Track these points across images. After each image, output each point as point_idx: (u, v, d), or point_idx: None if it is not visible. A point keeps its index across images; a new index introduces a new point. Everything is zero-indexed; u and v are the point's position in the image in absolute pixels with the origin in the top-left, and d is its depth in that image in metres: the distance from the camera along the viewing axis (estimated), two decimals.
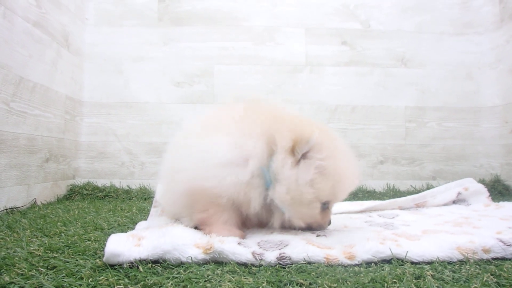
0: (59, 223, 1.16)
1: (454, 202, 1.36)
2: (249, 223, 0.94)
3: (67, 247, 0.85)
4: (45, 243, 0.88)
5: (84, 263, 0.72)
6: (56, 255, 0.78)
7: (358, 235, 0.87)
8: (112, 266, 0.71)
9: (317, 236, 0.89)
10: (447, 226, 0.99)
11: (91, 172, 2.04)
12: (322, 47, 2.15)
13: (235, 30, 2.13)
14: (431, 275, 0.65)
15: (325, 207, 0.90)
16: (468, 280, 0.63)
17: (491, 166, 2.14)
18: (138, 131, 2.07)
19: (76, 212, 1.40)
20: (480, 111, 2.19)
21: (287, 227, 0.92)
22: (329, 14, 2.16)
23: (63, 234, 1.00)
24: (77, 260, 0.74)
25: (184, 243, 0.76)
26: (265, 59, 2.13)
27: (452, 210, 1.27)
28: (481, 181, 1.88)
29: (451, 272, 0.67)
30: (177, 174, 0.92)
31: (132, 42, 2.09)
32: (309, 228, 0.92)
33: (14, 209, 1.39)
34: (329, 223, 0.95)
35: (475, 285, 0.60)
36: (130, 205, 1.64)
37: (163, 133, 2.06)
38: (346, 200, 1.09)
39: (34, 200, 1.55)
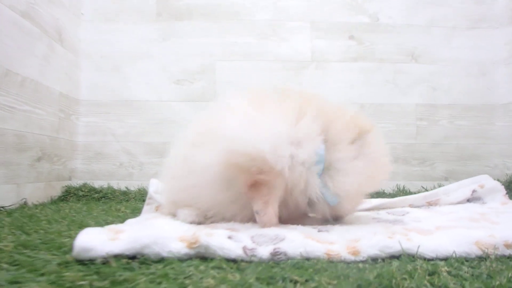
0: (43, 222, 1.09)
1: (468, 200, 1.26)
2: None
3: (43, 244, 0.77)
4: (20, 239, 0.81)
5: (53, 258, 0.65)
6: (26, 251, 0.71)
7: (364, 230, 0.78)
8: (84, 262, 0.63)
9: (319, 231, 0.80)
10: (462, 222, 0.89)
11: (88, 173, 1.98)
12: (328, 42, 2.07)
13: (238, 25, 2.05)
14: (447, 271, 0.56)
15: None
16: (490, 276, 0.53)
17: (506, 166, 2.03)
18: (137, 130, 2.00)
19: (66, 212, 1.33)
20: (494, 109, 2.08)
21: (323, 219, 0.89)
22: (335, 7, 2.08)
23: (42, 232, 0.92)
24: (46, 256, 0.66)
25: (166, 236, 0.67)
26: (269, 55, 2.05)
27: (466, 208, 1.17)
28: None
29: (469, 268, 0.58)
30: (218, 142, 0.82)
31: (130, 38, 2.03)
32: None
33: (1, 208, 1.32)
34: None
35: (499, 281, 0.50)
36: (126, 206, 1.58)
37: (163, 132, 1.99)
38: None
39: (24, 200, 1.48)
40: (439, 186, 1.97)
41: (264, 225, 0.80)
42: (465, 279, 0.53)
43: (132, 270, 0.60)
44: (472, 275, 0.55)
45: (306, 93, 0.92)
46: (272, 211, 0.79)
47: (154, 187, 1.20)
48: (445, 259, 0.63)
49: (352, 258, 0.64)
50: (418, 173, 2.05)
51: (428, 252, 0.65)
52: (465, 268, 0.57)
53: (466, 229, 0.74)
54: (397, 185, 2.00)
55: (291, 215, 0.88)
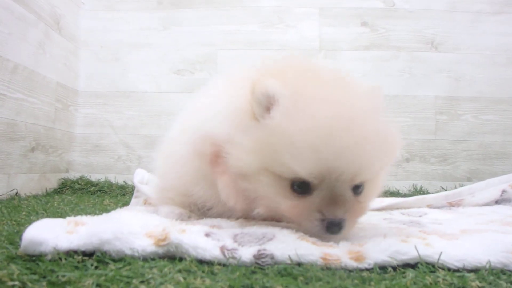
0: (23, 213, 1.02)
1: (497, 202, 1.11)
2: None
3: (5, 236, 0.67)
4: None
5: (2, 252, 0.55)
6: None
7: (372, 231, 0.65)
8: (33, 257, 0.53)
9: None
10: (493, 226, 0.76)
11: (85, 166, 1.92)
12: (338, 29, 1.95)
13: (241, 12, 1.96)
14: (478, 286, 0.43)
15: None
16: None
17: None
18: (136, 122, 1.93)
19: (55, 204, 1.27)
20: None
21: None
22: None
23: (14, 224, 0.84)
24: None
25: (131, 231, 0.57)
26: (275, 44, 1.95)
27: (495, 210, 1.02)
28: None
29: (508, 284, 0.44)
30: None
31: (129, 27, 1.97)
32: None
33: None
34: None
35: None
36: (120, 200, 1.51)
37: (162, 125, 1.90)
38: None
39: (16, 190, 1.43)
40: (461, 187, 1.82)
41: (227, 201, 0.68)
42: None
43: (83, 270, 0.49)
44: None
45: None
46: (227, 180, 0.66)
47: (140, 177, 1.10)
48: (475, 270, 0.50)
49: (355, 265, 0.51)
50: (437, 173, 1.90)
51: (453, 261, 0.51)
52: (502, 283, 0.44)
53: (500, 234, 0.60)
54: (413, 185, 1.86)
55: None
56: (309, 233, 0.59)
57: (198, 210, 0.83)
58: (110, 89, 1.95)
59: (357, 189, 0.59)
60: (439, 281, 0.45)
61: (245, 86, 0.62)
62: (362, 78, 1.90)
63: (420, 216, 0.96)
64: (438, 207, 1.12)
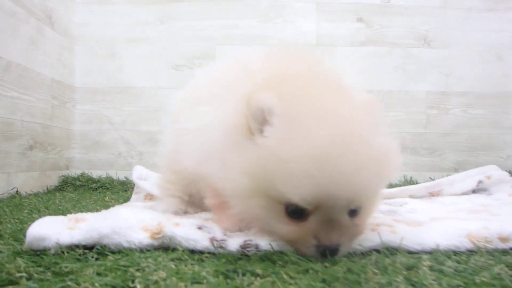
0: (25, 211, 1.06)
1: (474, 191, 1.18)
2: None
3: (8, 234, 0.73)
4: None
5: (8, 249, 0.61)
6: None
7: None
8: (37, 251, 0.59)
9: None
10: (460, 214, 0.82)
11: (86, 163, 1.94)
12: (335, 25, 1.97)
13: (239, 6, 1.96)
14: (429, 266, 0.50)
15: None
16: (475, 272, 0.47)
17: None
18: (135, 118, 1.95)
19: (56, 202, 1.29)
20: (510, 97, 1.96)
21: None
22: None
23: (17, 221, 0.88)
24: (0, 247, 0.62)
25: (128, 225, 0.63)
26: (272, 39, 1.96)
27: (471, 199, 1.09)
28: (509, 174, 1.67)
29: (455, 263, 0.51)
30: None
31: (125, 21, 1.95)
32: None
33: None
34: None
35: (483, 278, 0.44)
36: (122, 196, 1.53)
37: (162, 120, 1.94)
38: None
39: (16, 189, 1.45)
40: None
41: (219, 224, 0.70)
42: (446, 275, 0.46)
43: (84, 261, 0.55)
44: (456, 270, 0.48)
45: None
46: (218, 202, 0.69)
47: (138, 173, 1.16)
48: (432, 252, 0.57)
49: None
50: (427, 164, 1.96)
51: (414, 245, 0.58)
52: (449, 263, 0.51)
53: (459, 221, 0.67)
54: (404, 176, 1.91)
55: None
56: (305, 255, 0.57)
57: (193, 204, 0.88)
58: (107, 85, 1.94)
59: (353, 212, 0.57)
60: (396, 262, 0.51)
61: (240, 99, 0.59)
62: (358, 74, 1.95)
63: (400, 205, 1.02)
64: (420, 197, 1.19)
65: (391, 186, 1.81)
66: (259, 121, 0.55)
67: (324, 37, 1.98)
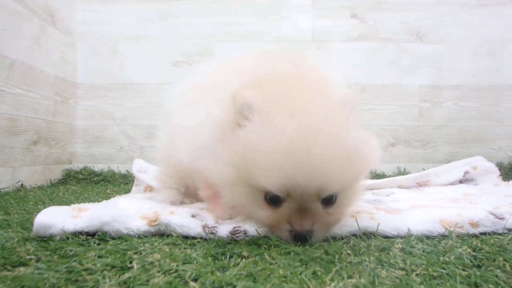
0: (31, 203, 1.11)
1: (461, 181, 1.22)
2: None
3: (16, 223, 0.78)
4: None
5: (17, 236, 0.66)
6: None
7: None
8: (44, 238, 0.64)
9: None
10: (442, 202, 0.87)
11: (88, 157, 1.99)
12: (330, 21, 2.00)
13: (238, 4, 2.00)
14: (400, 248, 0.54)
15: None
16: (440, 253, 0.51)
17: (510, 149, 1.97)
18: (136, 114, 2.00)
19: (60, 194, 1.34)
20: (501, 90, 2.00)
21: None
22: None
23: (24, 212, 0.94)
24: (11, 234, 0.67)
25: (127, 214, 0.68)
26: (270, 36, 2.00)
27: (456, 189, 1.13)
28: (499, 165, 1.72)
29: (425, 245, 0.56)
30: None
31: (126, 19, 1.99)
32: None
33: None
34: None
35: (446, 258, 0.49)
36: (123, 188, 1.58)
37: (159, 117, 1.98)
38: None
39: (21, 182, 1.51)
40: None
41: (212, 213, 0.76)
42: (413, 256, 0.51)
43: (87, 246, 0.60)
44: (424, 251, 0.53)
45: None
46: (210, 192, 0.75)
47: (138, 167, 1.21)
48: (406, 237, 0.61)
49: None
50: (420, 156, 2.00)
51: (390, 230, 0.63)
52: (420, 246, 0.55)
53: (436, 208, 0.72)
54: (398, 167, 1.96)
55: None
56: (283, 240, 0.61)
57: (190, 195, 0.93)
58: (109, 82, 1.99)
59: (328, 201, 0.60)
60: (371, 245, 0.56)
61: (229, 97, 0.63)
62: (353, 68, 1.99)
63: (387, 195, 1.07)
64: (408, 187, 1.23)
65: (384, 177, 1.87)
66: (242, 116, 0.60)
67: (319, 33, 2.01)
